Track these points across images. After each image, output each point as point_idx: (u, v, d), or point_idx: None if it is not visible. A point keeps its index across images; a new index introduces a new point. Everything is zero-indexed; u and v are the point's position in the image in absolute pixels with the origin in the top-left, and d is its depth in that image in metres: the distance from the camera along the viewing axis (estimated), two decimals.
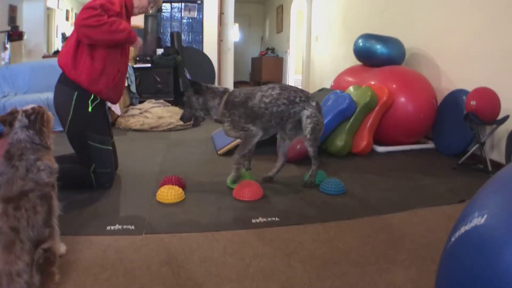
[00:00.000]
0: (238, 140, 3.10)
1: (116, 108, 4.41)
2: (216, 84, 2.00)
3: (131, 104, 5.40)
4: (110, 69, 2.28)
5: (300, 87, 2.50)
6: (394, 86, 3.34)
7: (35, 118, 1.44)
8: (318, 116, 2.38)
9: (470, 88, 2.95)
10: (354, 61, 4.32)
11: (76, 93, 2.22)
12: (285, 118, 2.34)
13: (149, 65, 5.77)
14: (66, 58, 2.22)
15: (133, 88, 5.42)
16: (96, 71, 2.23)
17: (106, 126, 2.43)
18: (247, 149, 2.31)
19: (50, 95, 3.45)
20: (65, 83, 2.25)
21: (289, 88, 2.37)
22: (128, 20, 2.42)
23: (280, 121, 2.34)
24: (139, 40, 2.34)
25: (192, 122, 2.39)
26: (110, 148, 2.40)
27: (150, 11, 2.58)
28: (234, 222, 1.92)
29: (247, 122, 2.25)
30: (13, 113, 1.43)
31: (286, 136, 2.48)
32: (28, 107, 1.46)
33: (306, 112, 2.35)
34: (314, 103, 2.39)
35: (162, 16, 6.69)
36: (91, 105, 2.27)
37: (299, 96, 2.35)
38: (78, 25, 2.12)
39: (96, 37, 2.14)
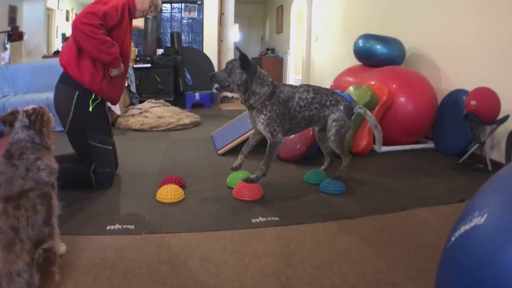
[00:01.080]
0: (239, 140, 3.12)
1: (116, 108, 4.41)
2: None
3: (131, 104, 5.40)
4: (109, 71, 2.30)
5: (327, 88, 2.45)
6: (394, 86, 3.35)
7: (36, 118, 1.44)
8: (345, 120, 2.34)
9: (470, 88, 2.95)
10: (354, 61, 4.32)
11: (77, 92, 2.22)
12: (314, 121, 2.35)
13: (149, 65, 5.78)
14: (68, 57, 2.23)
15: (133, 88, 5.43)
16: (98, 71, 2.24)
17: (106, 126, 2.44)
18: (272, 159, 2.26)
19: (50, 95, 3.46)
20: (66, 83, 2.25)
21: (321, 92, 2.34)
22: (130, 22, 2.44)
23: (308, 123, 2.35)
24: (121, 68, 2.32)
25: (216, 87, 2.23)
26: (110, 147, 2.41)
27: (150, 15, 2.59)
28: (234, 222, 1.92)
29: (279, 124, 2.20)
30: (14, 113, 1.44)
31: (322, 138, 2.52)
32: (29, 107, 1.47)
33: (333, 116, 2.33)
34: (342, 107, 2.35)
35: (162, 16, 6.69)
36: (92, 105, 2.27)
37: (329, 100, 2.33)
38: (75, 25, 2.12)
39: (84, 45, 2.15)
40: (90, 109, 2.26)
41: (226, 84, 2.21)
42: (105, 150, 2.34)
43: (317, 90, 2.34)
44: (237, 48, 2.30)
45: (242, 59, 2.14)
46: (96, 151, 2.28)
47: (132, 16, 2.42)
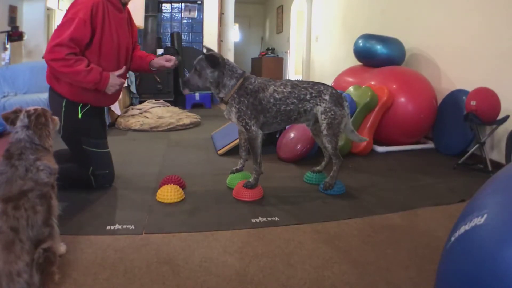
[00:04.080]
0: (238, 140, 3.12)
1: (116, 108, 4.41)
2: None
3: (131, 104, 5.40)
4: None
5: (310, 81, 2.36)
6: (394, 86, 3.35)
7: (35, 118, 1.44)
8: (334, 109, 2.23)
9: (470, 88, 2.95)
10: (354, 62, 4.32)
11: (64, 100, 2.18)
12: (294, 117, 2.27)
13: None
14: (48, 71, 2.17)
15: (133, 88, 5.43)
16: (76, 86, 2.11)
17: (100, 129, 2.37)
18: (259, 154, 2.22)
19: None
20: (55, 93, 2.20)
21: (300, 86, 2.26)
22: (122, 12, 2.25)
23: (287, 119, 2.26)
24: (117, 83, 2.15)
25: (189, 88, 2.20)
26: (107, 150, 2.38)
27: None
28: (234, 222, 1.92)
29: (251, 117, 2.15)
30: (16, 112, 1.45)
31: (316, 133, 2.45)
32: (31, 108, 1.48)
33: (320, 108, 2.24)
34: (327, 96, 2.25)
35: (162, 16, 6.69)
36: (80, 112, 2.22)
37: (309, 93, 2.24)
38: (46, 63, 2.02)
39: (62, 77, 2.09)
40: (80, 116, 2.21)
41: (200, 86, 2.20)
42: (101, 153, 2.32)
43: (296, 84, 2.26)
44: (204, 46, 2.27)
45: (209, 58, 2.11)
46: (91, 155, 2.26)
47: (117, 7, 2.21)
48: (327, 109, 2.23)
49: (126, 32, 2.31)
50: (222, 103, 2.24)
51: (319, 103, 2.25)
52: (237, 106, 2.15)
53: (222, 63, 2.14)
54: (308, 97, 2.24)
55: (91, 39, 2.07)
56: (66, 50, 1.96)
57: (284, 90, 2.22)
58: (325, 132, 2.25)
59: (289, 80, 2.31)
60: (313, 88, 2.27)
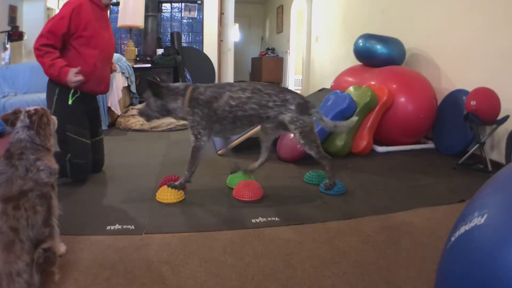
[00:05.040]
0: (239, 140, 3.12)
1: (116, 108, 4.41)
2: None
3: (131, 104, 5.40)
4: (87, 65, 2.38)
5: (276, 86, 2.28)
6: (394, 86, 3.35)
7: (36, 118, 1.44)
8: (302, 118, 2.16)
9: (470, 88, 2.95)
10: (354, 61, 4.32)
11: (58, 88, 2.40)
12: (256, 122, 2.21)
13: (149, 65, 5.77)
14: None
15: (133, 88, 5.43)
16: (70, 66, 2.33)
17: (85, 119, 2.52)
18: (195, 164, 2.20)
19: None
20: (50, 80, 2.44)
21: (263, 91, 2.16)
22: (104, 10, 2.52)
23: (248, 123, 2.20)
24: (72, 80, 2.30)
25: (146, 119, 2.31)
26: (87, 141, 2.50)
27: None
28: (234, 222, 1.92)
29: (205, 127, 2.14)
30: (16, 113, 1.45)
31: (269, 131, 2.36)
32: (31, 108, 1.48)
33: (286, 117, 2.17)
34: (293, 106, 2.16)
35: (162, 16, 6.70)
36: (71, 98, 2.41)
37: (272, 101, 2.15)
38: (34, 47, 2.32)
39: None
40: (70, 102, 2.40)
41: (153, 115, 2.24)
42: (81, 142, 2.45)
43: (258, 89, 2.16)
44: (146, 80, 2.26)
45: (151, 87, 2.14)
46: (72, 142, 2.40)
47: (100, 7, 2.48)
48: (295, 119, 2.16)
49: (110, 29, 2.61)
50: (185, 120, 2.24)
51: (284, 112, 2.17)
52: (191, 118, 2.15)
53: (164, 92, 2.15)
54: (271, 104, 2.15)
55: (76, 32, 2.34)
56: (43, 41, 2.27)
57: (242, 96, 2.13)
58: (301, 141, 2.21)
59: (252, 84, 2.23)
60: (278, 96, 2.17)
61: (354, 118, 2.42)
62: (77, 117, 2.45)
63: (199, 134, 2.16)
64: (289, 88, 9.17)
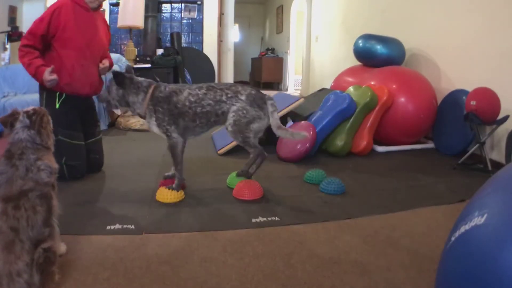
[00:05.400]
0: None
1: (118, 110, 4.41)
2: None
3: None
4: (64, 67, 2.42)
5: (230, 83, 2.31)
6: (394, 86, 3.35)
7: (36, 118, 1.45)
8: (247, 109, 2.17)
9: (470, 88, 2.95)
10: (354, 62, 4.33)
11: (45, 92, 2.48)
12: (213, 119, 2.23)
13: (149, 65, 5.77)
14: None
15: None
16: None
17: (76, 121, 2.56)
18: (179, 161, 2.23)
19: None
20: (39, 86, 2.52)
21: (216, 87, 2.23)
22: (90, 11, 2.51)
23: (207, 121, 2.23)
24: (46, 79, 2.34)
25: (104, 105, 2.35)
26: (81, 142, 2.56)
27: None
28: (234, 222, 1.92)
29: (170, 123, 2.17)
30: (14, 114, 1.44)
31: None
32: (29, 108, 1.48)
33: (233, 108, 2.19)
34: (243, 97, 2.18)
35: (162, 16, 6.70)
36: (58, 102, 2.47)
37: (225, 94, 2.19)
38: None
39: None
40: (57, 106, 2.46)
41: (109, 101, 2.28)
42: (74, 144, 2.51)
43: (212, 86, 2.23)
44: (113, 72, 2.27)
45: (116, 76, 2.19)
46: (65, 145, 2.43)
47: (85, 8, 2.49)
48: (240, 108, 2.18)
49: (98, 30, 2.58)
50: (142, 118, 2.28)
51: (234, 103, 2.19)
52: (154, 116, 2.18)
53: (129, 82, 2.20)
54: (224, 98, 2.19)
55: (56, 33, 2.37)
56: (24, 42, 2.35)
57: (199, 93, 2.19)
58: (229, 128, 2.21)
59: (207, 84, 2.28)
60: (230, 89, 2.22)
61: (303, 134, 2.29)
62: (67, 120, 2.48)
63: (168, 131, 2.19)
64: (289, 88, 9.20)
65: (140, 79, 2.25)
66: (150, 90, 2.19)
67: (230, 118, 2.20)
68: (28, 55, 2.33)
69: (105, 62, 2.66)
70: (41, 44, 2.37)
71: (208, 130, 2.33)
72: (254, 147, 2.27)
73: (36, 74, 2.34)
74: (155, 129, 2.23)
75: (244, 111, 2.18)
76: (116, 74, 2.20)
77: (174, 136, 2.20)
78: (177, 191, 2.20)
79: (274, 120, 2.25)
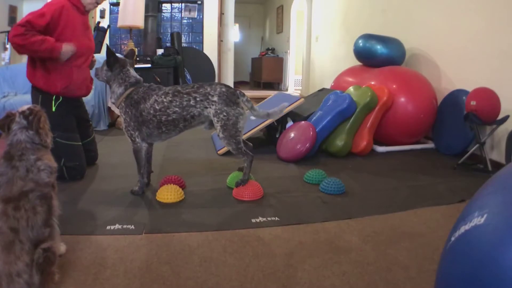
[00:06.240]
0: None
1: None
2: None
3: None
4: (61, 69, 2.43)
5: (196, 84, 2.20)
6: (394, 86, 3.35)
7: (34, 118, 1.44)
8: (226, 110, 2.10)
9: (470, 88, 2.95)
10: (354, 62, 4.32)
11: (40, 96, 2.46)
12: (182, 125, 2.17)
13: (149, 65, 5.77)
14: (26, 67, 2.47)
15: None
16: (49, 74, 2.42)
17: (73, 123, 2.60)
18: (142, 165, 2.24)
19: None
20: (33, 88, 2.51)
21: (183, 92, 2.13)
22: (84, 14, 2.56)
23: (174, 128, 2.17)
24: (66, 51, 2.33)
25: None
26: (78, 143, 2.58)
27: (101, 2, 2.66)
28: (234, 222, 1.92)
29: (134, 129, 2.16)
30: (10, 116, 1.43)
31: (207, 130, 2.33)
32: (24, 107, 1.47)
33: (210, 111, 2.12)
34: (216, 98, 2.10)
35: (162, 16, 6.69)
36: (54, 105, 2.47)
37: (193, 98, 2.11)
38: (10, 42, 2.30)
39: (24, 53, 2.34)
40: (53, 109, 2.46)
41: (104, 78, 2.26)
42: (72, 146, 2.53)
43: (178, 92, 2.14)
44: (107, 46, 2.26)
45: (108, 56, 2.17)
46: (63, 147, 2.44)
47: (80, 10, 2.52)
48: (218, 111, 2.11)
49: (89, 33, 2.65)
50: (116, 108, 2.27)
51: (208, 106, 2.12)
52: (123, 117, 2.19)
53: (118, 68, 2.18)
54: (192, 102, 2.12)
55: (54, 33, 2.33)
56: (23, 29, 2.21)
57: (165, 100, 2.12)
58: (221, 135, 2.15)
59: (173, 87, 2.19)
60: (197, 92, 2.13)
61: (285, 104, 2.31)
62: (64, 122, 2.50)
63: (132, 136, 2.19)
64: (289, 88, 9.20)
65: (132, 73, 2.22)
66: (130, 89, 2.17)
67: (217, 125, 2.13)
68: (36, 35, 2.23)
69: (93, 57, 2.73)
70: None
71: (177, 135, 2.28)
72: (246, 154, 2.23)
73: (54, 48, 2.27)
74: (123, 128, 2.24)
75: (224, 114, 2.10)
76: (109, 55, 2.17)
77: (138, 141, 2.20)
78: (139, 194, 2.24)
79: (258, 113, 2.26)
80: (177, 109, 2.12)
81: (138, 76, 2.25)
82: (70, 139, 2.52)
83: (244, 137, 3.08)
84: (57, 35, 2.36)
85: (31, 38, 2.22)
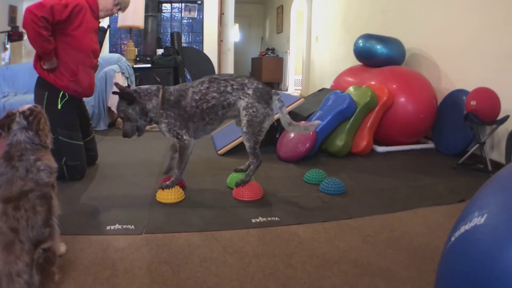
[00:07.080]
0: (239, 140, 3.12)
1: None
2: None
3: None
4: (69, 64, 2.44)
5: (234, 74, 2.23)
6: (394, 86, 3.35)
7: (34, 118, 1.44)
8: (257, 106, 2.12)
9: (470, 88, 2.95)
10: (354, 62, 4.32)
11: (46, 93, 2.45)
12: (221, 112, 2.17)
13: (149, 65, 5.77)
14: (35, 59, 2.46)
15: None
16: (58, 67, 2.42)
17: (76, 122, 2.59)
18: (185, 163, 2.21)
19: None
20: (38, 85, 2.50)
21: (219, 78, 2.17)
22: (97, 20, 2.60)
23: (215, 116, 2.18)
24: (53, 62, 2.38)
25: (137, 134, 2.22)
26: (80, 143, 2.58)
27: (117, 13, 2.69)
28: (234, 222, 1.92)
29: (181, 127, 2.14)
30: (10, 116, 1.43)
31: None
32: (25, 107, 1.46)
33: (242, 103, 2.14)
34: (250, 91, 2.13)
35: (162, 16, 6.69)
36: (60, 103, 2.47)
37: (230, 85, 2.14)
38: (25, 11, 2.22)
39: (25, 28, 2.26)
40: (59, 106, 2.46)
41: (137, 126, 2.17)
42: (74, 145, 2.52)
43: (215, 78, 2.17)
44: (116, 84, 2.22)
45: (124, 97, 2.10)
46: (65, 146, 2.43)
47: (95, 14, 2.55)
48: (249, 105, 2.12)
49: (96, 38, 2.66)
50: (154, 123, 2.20)
51: (242, 97, 2.14)
52: (165, 121, 2.14)
53: (137, 94, 2.13)
54: (229, 89, 2.14)
55: (68, 27, 2.35)
56: (42, 13, 2.19)
57: (202, 88, 2.15)
58: (244, 129, 2.15)
59: (209, 76, 2.21)
60: (235, 80, 2.16)
61: (316, 122, 2.34)
62: (68, 120, 2.50)
63: (179, 135, 2.16)
64: (289, 88, 9.20)
65: (145, 86, 2.20)
66: (160, 94, 2.14)
67: (243, 118, 2.14)
68: (47, 30, 2.22)
69: (97, 61, 2.77)
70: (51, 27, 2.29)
71: (218, 126, 2.29)
72: (257, 158, 2.23)
73: (49, 54, 2.31)
74: (167, 134, 2.19)
75: (254, 109, 2.12)
76: (125, 95, 2.10)
77: (186, 139, 2.17)
78: (171, 187, 2.20)
79: (284, 117, 2.23)
80: (215, 94, 2.14)
81: (147, 86, 2.22)
82: (73, 138, 2.52)
83: None
84: (70, 30, 2.36)
85: (42, 30, 2.21)
